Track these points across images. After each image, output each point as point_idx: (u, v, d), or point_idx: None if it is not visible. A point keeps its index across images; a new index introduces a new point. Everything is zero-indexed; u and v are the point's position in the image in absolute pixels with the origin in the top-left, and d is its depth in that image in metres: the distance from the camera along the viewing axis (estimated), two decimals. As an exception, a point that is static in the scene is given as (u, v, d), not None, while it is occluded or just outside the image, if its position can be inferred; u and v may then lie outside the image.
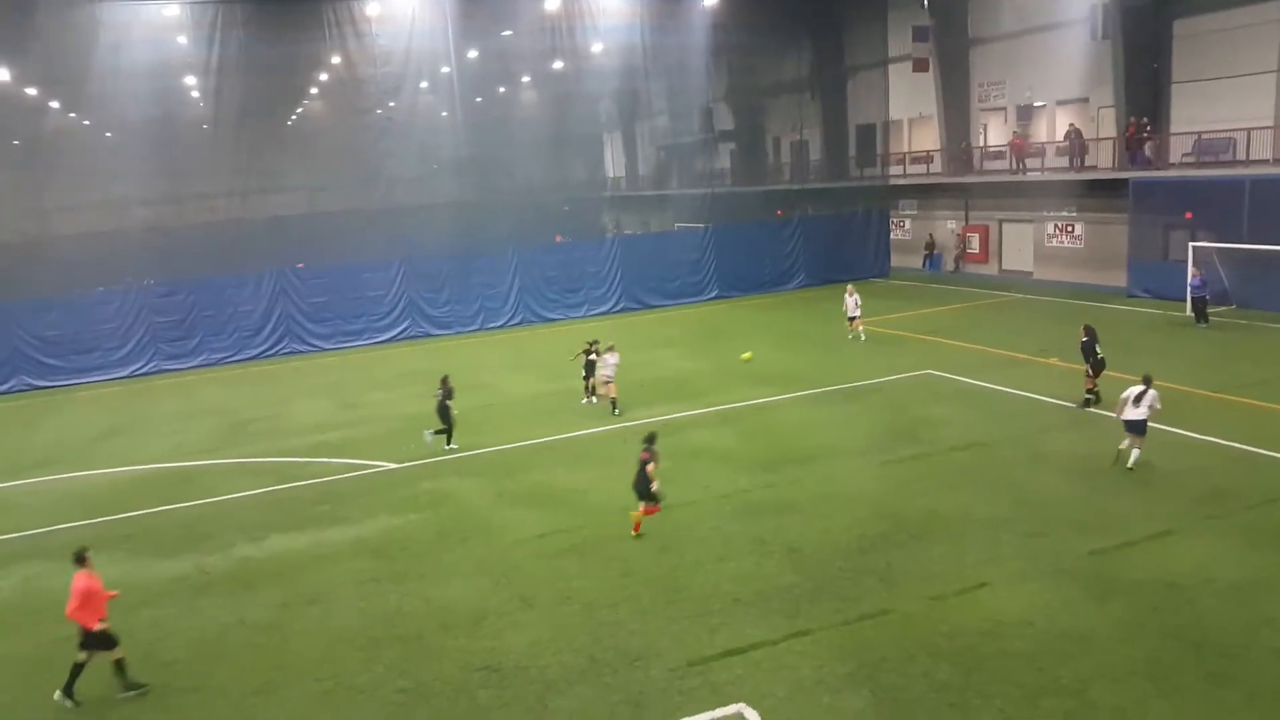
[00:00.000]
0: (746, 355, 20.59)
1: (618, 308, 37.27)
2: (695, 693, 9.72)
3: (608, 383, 21.07)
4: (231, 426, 22.56)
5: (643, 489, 13.95)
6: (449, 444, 18.89)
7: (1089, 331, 19.40)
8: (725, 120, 57.07)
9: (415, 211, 48.72)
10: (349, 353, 32.15)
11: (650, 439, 14.40)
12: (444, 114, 48.69)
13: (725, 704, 9.45)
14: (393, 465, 18.40)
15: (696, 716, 9.29)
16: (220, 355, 31.52)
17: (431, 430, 18.91)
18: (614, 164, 71.24)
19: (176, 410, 24.90)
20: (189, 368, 30.85)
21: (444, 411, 18.68)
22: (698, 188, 54.78)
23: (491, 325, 35.05)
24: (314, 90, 60.12)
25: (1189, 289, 27.83)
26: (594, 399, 22.00)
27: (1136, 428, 15.30)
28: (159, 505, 16.98)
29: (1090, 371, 19.25)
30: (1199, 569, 11.88)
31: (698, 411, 20.85)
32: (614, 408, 20.98)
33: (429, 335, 34.06)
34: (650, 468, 13.89)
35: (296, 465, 18.78)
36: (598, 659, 10.57)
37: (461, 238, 41.50)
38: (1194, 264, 28.20)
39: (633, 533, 13.96)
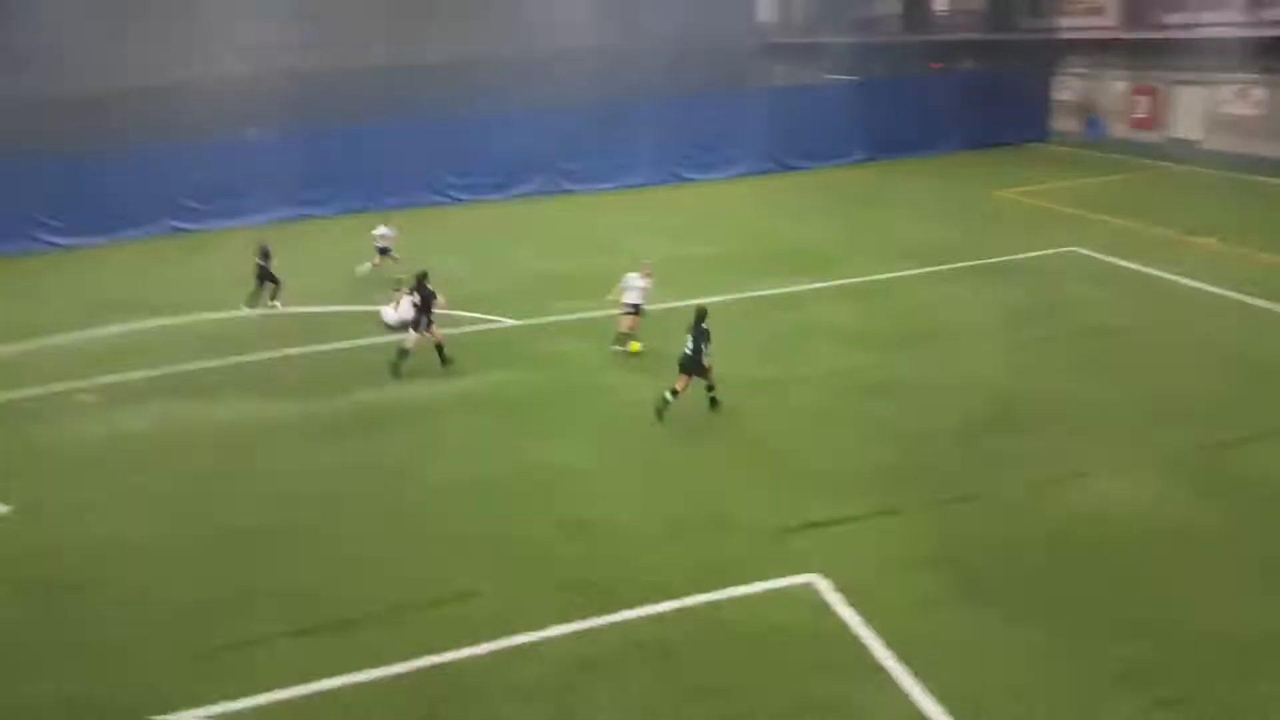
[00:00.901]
0: (635, 347, 16.15)
1: (758, 169, 36.06)
2: (773, 559, 10.15)
3: (631, 315, 16.35)
4: (361, 276, 23.08)
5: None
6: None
7: None
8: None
9: (552, 60, 48.14)
10: (486, 206, 32.79)
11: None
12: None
13: (799, 572, 9.85)
14: (513, 322, 19.14)
15: (767, 582, 9.74)
16: (356, 204, 32.00)
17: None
18: (767, 8, 67.94)
19: (311, 255, 25.57)
20: (326, 214, 31.53)
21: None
22: (856, 36, 51.66)
23: (628, 183, 34.59)
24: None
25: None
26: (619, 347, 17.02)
27: None
28: (288, 348, 18.11)
29: None
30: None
31: (824, 284, 20.57)
32: (621, 344, 16.57)
33: (564, 191, 34.11)
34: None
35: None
36: (685, 520, 11.11)
37: (600, 88, 40.82)
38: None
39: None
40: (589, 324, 18.71)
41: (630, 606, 9.48)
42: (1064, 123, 40.62)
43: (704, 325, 13.46)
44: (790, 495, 11.59)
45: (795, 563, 10.07)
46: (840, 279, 20.82)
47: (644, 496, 11.81)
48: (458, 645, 9.00)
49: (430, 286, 16.35)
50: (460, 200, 33.07)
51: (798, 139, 36.64)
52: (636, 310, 16.43)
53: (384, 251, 23.07)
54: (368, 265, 22.96)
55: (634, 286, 16.42)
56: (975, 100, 38.32)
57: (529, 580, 10.14)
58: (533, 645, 9.01)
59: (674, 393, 13.61)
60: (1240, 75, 33.24)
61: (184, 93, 49.04)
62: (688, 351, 13.47)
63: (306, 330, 19.39)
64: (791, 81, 54.96)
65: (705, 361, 13.48)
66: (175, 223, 30.88)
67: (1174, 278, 19.30)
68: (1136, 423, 13.00)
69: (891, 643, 8.70)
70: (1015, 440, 12.74)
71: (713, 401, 14.03)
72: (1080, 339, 16.37)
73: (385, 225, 23.49)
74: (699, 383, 13.84)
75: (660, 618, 9.33)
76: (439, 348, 16.57)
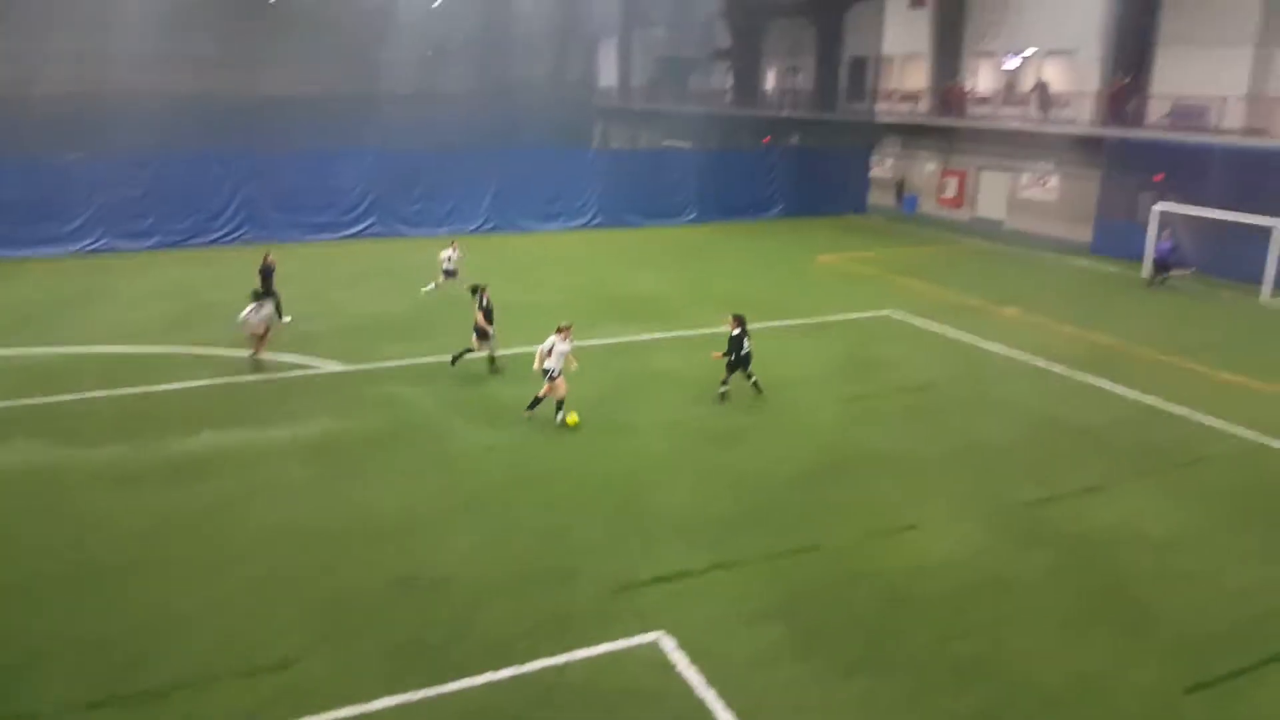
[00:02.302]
0: (573, 419, 15.26)
1: (595, 222, 36.76)
2: (618, 617, 9.89)
3: (553, 379, 15.20)
4: (182, 313, 21.92)
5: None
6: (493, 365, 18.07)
7: None
8: (723, 39, 55.83)
9: (398, 101, 47.29)
10: (313, 245, 31.48)
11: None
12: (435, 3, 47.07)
13: (646, 630, 9.64)
14: (343, 367, 18.23)
15: (614, 643, 9.45)
16: (176, 238, 30.24)
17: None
18: (608, 73, 69.47)
19: (127, 292, 24.18)
20: (145, 248, 29.60)
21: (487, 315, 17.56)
22: (690, 106, 53.76)
23: (464, 228, 34.20)
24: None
25: (1157, 250, 28.02)
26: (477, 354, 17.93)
27: None
28: (100, 390, 16.62)
29: None
30: (1123, 524, 12.23)
31: (663, 335, 20.84)
32: (559, 411, 15.41)
33: (398, 234, 33.27)
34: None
35: (244, 358, 18.58)
36: (527, 576, 10.69)
37: (443, 133, 40.40)
38: (1163, 226, 28.34)
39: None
40: (423, 368, 18.13)
41: (467, 674, 8.94)
42: (881, 198, 43.46)
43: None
44: (636, 546, 11.42)
45: (641, 620, 9.85)
46: (678, 330, 21.13)
47: (482, 549, 11.31)
48: (275, 720, 8.17)
49: (488, 301, 17.49)
50: (291, 238, 31.55)
51: (636, 198, 37.62)
52: (547, 375, 15.15)
53: (450, 274, 23.57)
54: (432, 286, 23.62)
55: (560, 353, 15.13)
56: (801, 173, 40.74)
57: (356, 644, 9.41)
58: (359, 720, 8.31)
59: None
60: (1037, 165, 36.65)
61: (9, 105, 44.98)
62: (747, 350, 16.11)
63: (119, 371, 17.73)
64: (632, 145, 56.43)
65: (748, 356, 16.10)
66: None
67: (982, 342, 20.68)
68: (958, 477, 13.67)
69: (733, 702, 8.60)
70: (847, 491, 13.11)
71: (756, 386, 16.55)
72: (901, 395, 17.19)
73: (452, 248, 24.11)
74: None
75: (500, 685, 8.83)
76: (492, 360, 17.97)
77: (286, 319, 20.76)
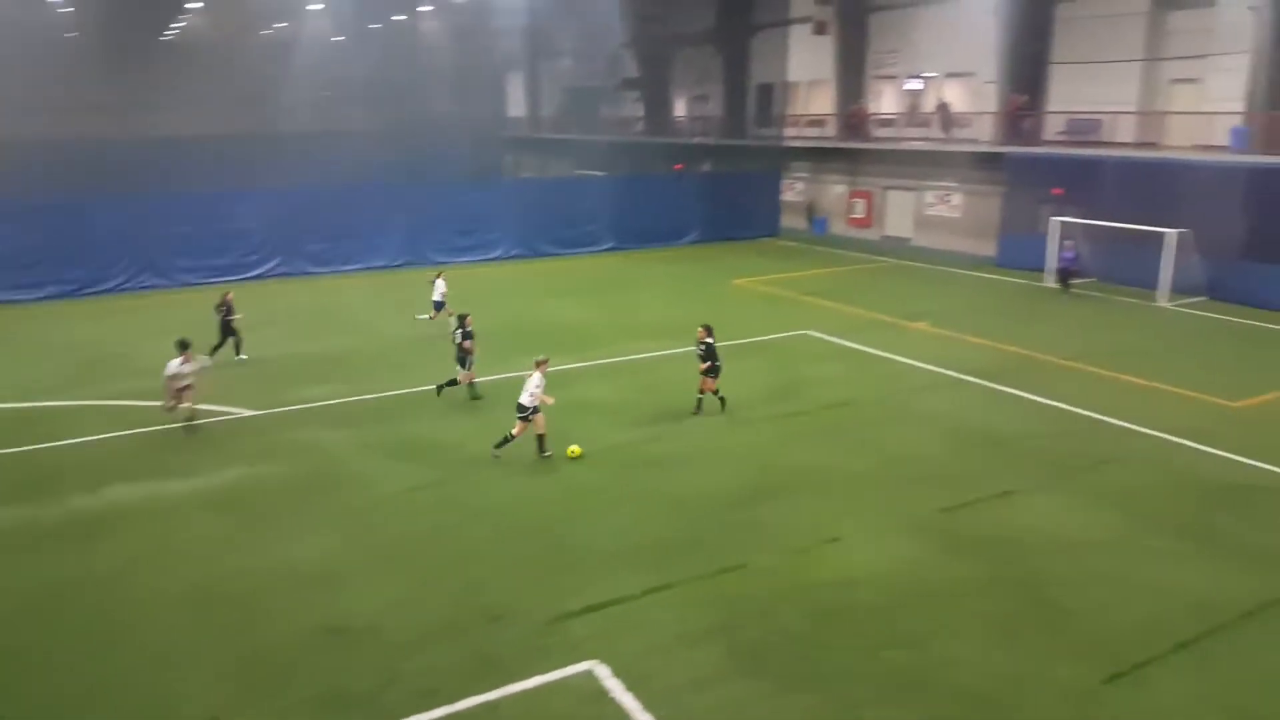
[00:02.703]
0: (574, 450, 15.15)
1: (510, 254, 36.62)
2: (550, 650, 9.74)
3: (528, 420, 14.88)
4: (83, 365, 21.18)
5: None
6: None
7: None
8: (631, 68, 56.50)
9: (299, 140, 46.55)
10: (216, 289, 30.52)
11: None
12: (338, 39, 46.60)
13: (579, 661, 9.52)
14: (251, 412, 17.70)
15: (547, 675, 9.30)
16: (71, 287, 29.00)
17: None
18: (516, 104, 69.64)
19: (23, 345, 23.20)
20: (36, 299, 28.32)
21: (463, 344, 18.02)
22: (600, 135, 54.14)
23: (375, 265, 33.82)
24: (193, 3, 56.55)
25: (1060, 259, 29.16)
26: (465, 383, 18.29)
27: None
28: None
29: None
30: (1037, 526, 12.60)
31: (585, 363, 20.80)
32: (541, 447, 15.17)
33: (305, 273, 32.58)
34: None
35: (150, 409, 17.91)
36: (456, 618, 10.46)
37: (348, 170, 39.95)
38: (1065, 237, 29.53)
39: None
40: (341, 410, 17.74)
41: (399, 718, 8.69)
42: (792, 220, 44.30)
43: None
44: (566, 578, 11.28)
45: (573, 651, 9.72)
46: (600, 358, 21.11)
47: (409, 594, 11.02)
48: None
49: (470, 327, 17.95)
50: (190, 283, 30.63)
51: (551, 227, 37.63)
52: (523, 413, 14.81)
53: (439, 306, 23.85)
54: (425, 317, 24.10)
55: (535, 385, 14.74)
56: (714, 198, 41.36)
57: (281, 699, 9.07)
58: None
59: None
60: (941, 183, 37.87)
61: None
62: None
63: (17, 428, 16.87)
64: (543, 174, 56.51)
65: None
66: None
67: (896, 357, 21.16)
68: (881, 489, 13.92)
69: (671, 726, 8.53)
70: (776, 509, 13.22)
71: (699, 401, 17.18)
72: (823, 413, 17.46)
73: (439, 279, 24.51)
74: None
75: (432, 726, 8.62)
76: (471, 385, 18.22)
77: (243, 356, 21.00)
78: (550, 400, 14.99)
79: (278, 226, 32.36)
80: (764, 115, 48.60)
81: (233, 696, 9.09)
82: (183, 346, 16.63)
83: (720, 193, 41.88)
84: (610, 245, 38.59)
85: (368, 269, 33.53)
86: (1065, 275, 28.81)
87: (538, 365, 14.95)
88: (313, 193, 34.09)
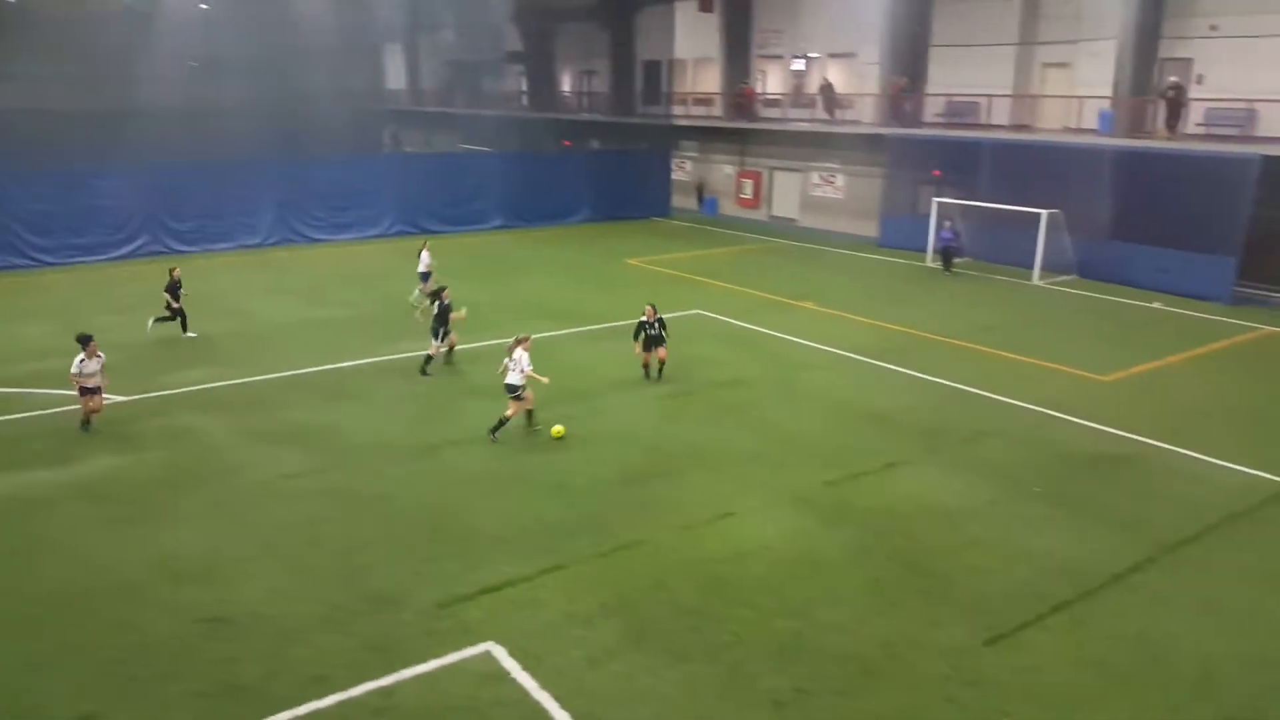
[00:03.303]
0: (558, 430, 15.06)
1: (391, 231, 35.69)
2: (444, 634, 9.63)
3: (520, 398, 14.85)
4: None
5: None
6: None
7: None
8: (515, 42, 55.63)
9: (166, 115, 44.09)
10: (77, 269, 28.91)
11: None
12: (202, 6, 44.35)
13: (474, 643, 9.44)
14: (122, 398, 16.78)
15: (443, 659, 9.20)
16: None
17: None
18: (395, 77, 67.67)
19: None
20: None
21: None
22: (485, 109, 53.21)
23: (248, 243, 32.55)
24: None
25: (939, 239, 30.22)
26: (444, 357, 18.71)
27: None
28: None
29: None
30: (917, 497, 13.10)
31: (472, 346, 20.46)
32: (530, 421, 15.30)
33: (173, 252, 30.94)
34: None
35: (10, 396, 16.85)
36: (343, 605, 10.22)
37: (219, 146, 38.19)
38: (944, 217, 30.63)
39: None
40: (213, 396, 17.05)
41: (289, 706, 8.46)
42: (684, 201, 44.59)
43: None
44: (456, 562, 11.14)
45: (469, 633, 9.64)
46: (486, 340, 20.81)
47: (293, 583, 10.70)
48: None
49: (448, 300, 18.09)
50: (46, 264, 28.87)
51: (435, 204, 36.84)
52: (514, 392, 14.65)
53: (425, 277, 23.73)
54: (416, 293, 23.79)
55: (523, 364, 14.55)
56: (605, 177, 41.07)
57: (163, 692, 8.72)
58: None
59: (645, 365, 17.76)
60: (825, 165, 38.69)
61: None
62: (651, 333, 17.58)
63: None
64: (426, 149, 55.20)
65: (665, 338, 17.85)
66: None
67: (784, 336, 21.61)
68: (771, 465, 14.22)
69: (568, 703, 8.57)
70: (668, 487, 13.36)
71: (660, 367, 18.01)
72: (714, 391, 17.70)
73: (425, 251, 24.41)
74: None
75: (324, 713, 8.42)
76: (450, 350, 18.73)
77: (191, 334, 20.81)
78: (545, 379, 14.84)
79: (143, 204, 30.77)
80: (652, 93, 48.66)
81: (112, 693, 8.68)
82: (84, 341, 14.92)
83: (611, 171, 41.63)
84: (499, 223, 38.06)
85: (241, 248, 32.26)
86: (947, 255, 29.88)
87: (519, 343, 14.70)
88: (181, 170, 32.46)
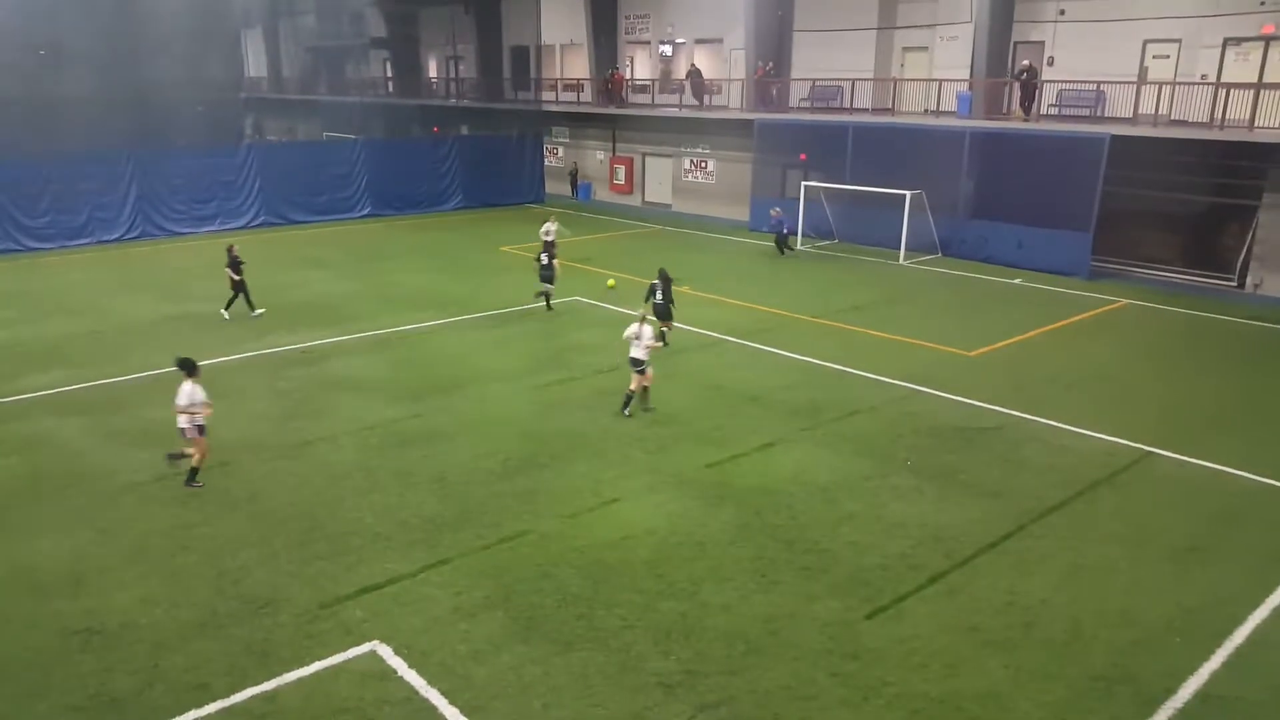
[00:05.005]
0: (611, 283, 17.05)
1: (256, 222, 34.45)
2: (326, 635, 9.43)
3: (643, 372, 15.58)
4: None
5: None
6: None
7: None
8: (378, 27, 54.16)
9: (10, 106, 41.11)
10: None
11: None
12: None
13: (358, 643, 9.29)
14: (-32, 404, 15.76)
15: (326, 660, 9.03)
16: None
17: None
18: (255, 64, 64.93)
19: None
20: None
21: None
22: (349, 95, 51.72)
23: (106, 239, 31.01)
24: None
25: (769, 227, 31.02)
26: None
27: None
28: None
29: None
30: (794, 475, 13.49)
31: (341, 338, 19.99)
32: (645, 401, 15.97)
33: (25, 250, 29.31)
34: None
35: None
36: (218, 610, 9.89)
37: (70, 138, 35.88)
38: (772, 207, 31.43)
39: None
40: (69, 399, 16.13)
41: (166, 716, 8.18)
42: (558, 187, 44.43)
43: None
44: (333, 562, 10.90)
45: (351, 634, 9.46)
46: (357, 332, 20.37)
47: (163, 591, 10.27)
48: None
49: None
50: None
51: (302, 193, 35.76)
52: (638, 367, 15.57)
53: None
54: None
55: (647, 338, 15.44)
56: (477, 164, 40.63)
57: (32, 708, 8.30)
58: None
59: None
60: (696, 150, 39.19)
61: None
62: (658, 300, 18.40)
63: None
64: (290, 137, 53.30)
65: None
66: None
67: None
68: (650, 448, 14.40)
69: (457, 698, 8.53)
70: (551, 476, 13.38)
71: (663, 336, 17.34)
72: (593, 378, 17.77)
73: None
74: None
75: (203, 722, 8.16)
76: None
77: (260, 311, 21.33)
78: (660, 344, 15.88)
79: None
80: (521, 78, 48.22)
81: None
82: (190, 368, 12.62)
83: (484, 158, 41.20)
84: (368, 212, 37.23)
85: (99, 243, 30.59)
86: (780, 239, 30.66)
87: (643, 321, 15.57)
88: (27, 164, 30.45)
